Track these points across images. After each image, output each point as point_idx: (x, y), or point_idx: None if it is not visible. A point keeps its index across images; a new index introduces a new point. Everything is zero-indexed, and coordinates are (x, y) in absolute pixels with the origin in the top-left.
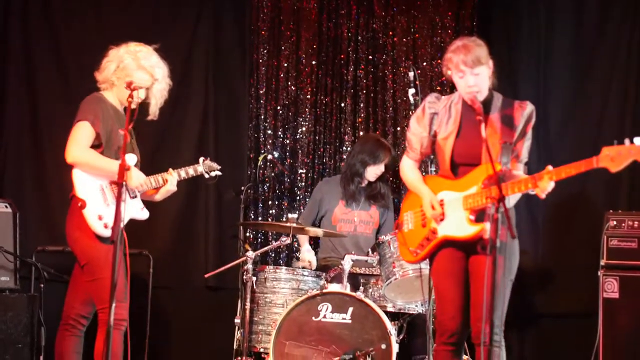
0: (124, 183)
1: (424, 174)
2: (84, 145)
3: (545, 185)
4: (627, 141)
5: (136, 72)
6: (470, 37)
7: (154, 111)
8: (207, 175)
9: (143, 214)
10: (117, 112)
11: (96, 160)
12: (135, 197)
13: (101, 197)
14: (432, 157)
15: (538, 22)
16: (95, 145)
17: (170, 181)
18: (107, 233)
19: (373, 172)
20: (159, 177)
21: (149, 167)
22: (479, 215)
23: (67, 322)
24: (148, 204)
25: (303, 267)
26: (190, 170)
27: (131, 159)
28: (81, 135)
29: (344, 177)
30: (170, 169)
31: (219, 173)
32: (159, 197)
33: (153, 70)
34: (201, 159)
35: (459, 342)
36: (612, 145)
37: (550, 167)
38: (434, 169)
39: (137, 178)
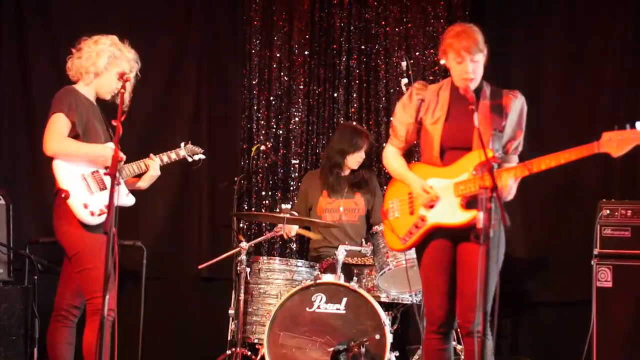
0: (117, 174)
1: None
2: (62, 136)
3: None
4: (627, 126)
5: (124, 64)
6: (466, 23)
7: (127, 101)
8: (190, 159)
9: (129, 200)
10: (91, 104)
11: (77, 148)
12: (119, 184)
13: (84, 185)
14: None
15: (531, 11)
16: (73, 136)
17: (152, 166)
18: (94, 221)
19: (354, 160)
20: (141, 163)
21: (141, 159)
22: (470, 203)
23: (59, 313)
24: (141, 194)
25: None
26: (173, 155)
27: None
28: (57, 126)
29: (323, 169)
30: (152, 154)
31: (202, 156)
32: (143, 184)
33: (133, 63)
34: (182, 143)
35: (448, 330)
36: (613, 131)
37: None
38: None
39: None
